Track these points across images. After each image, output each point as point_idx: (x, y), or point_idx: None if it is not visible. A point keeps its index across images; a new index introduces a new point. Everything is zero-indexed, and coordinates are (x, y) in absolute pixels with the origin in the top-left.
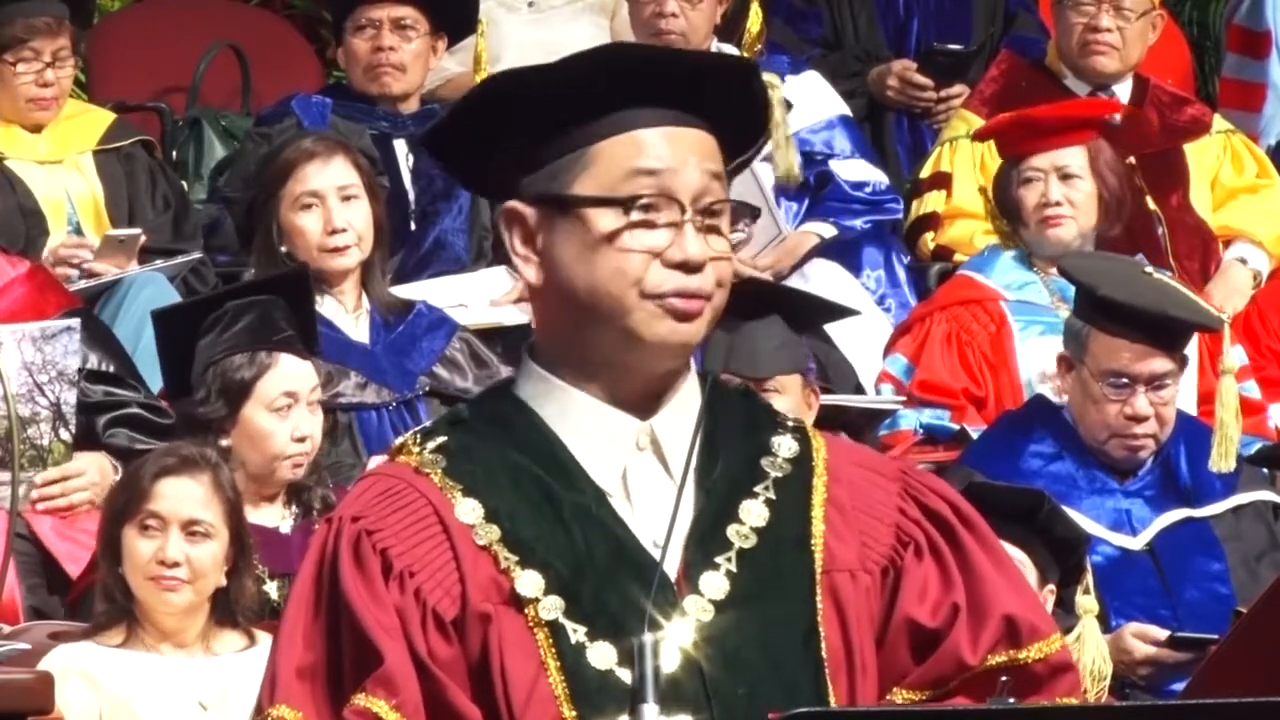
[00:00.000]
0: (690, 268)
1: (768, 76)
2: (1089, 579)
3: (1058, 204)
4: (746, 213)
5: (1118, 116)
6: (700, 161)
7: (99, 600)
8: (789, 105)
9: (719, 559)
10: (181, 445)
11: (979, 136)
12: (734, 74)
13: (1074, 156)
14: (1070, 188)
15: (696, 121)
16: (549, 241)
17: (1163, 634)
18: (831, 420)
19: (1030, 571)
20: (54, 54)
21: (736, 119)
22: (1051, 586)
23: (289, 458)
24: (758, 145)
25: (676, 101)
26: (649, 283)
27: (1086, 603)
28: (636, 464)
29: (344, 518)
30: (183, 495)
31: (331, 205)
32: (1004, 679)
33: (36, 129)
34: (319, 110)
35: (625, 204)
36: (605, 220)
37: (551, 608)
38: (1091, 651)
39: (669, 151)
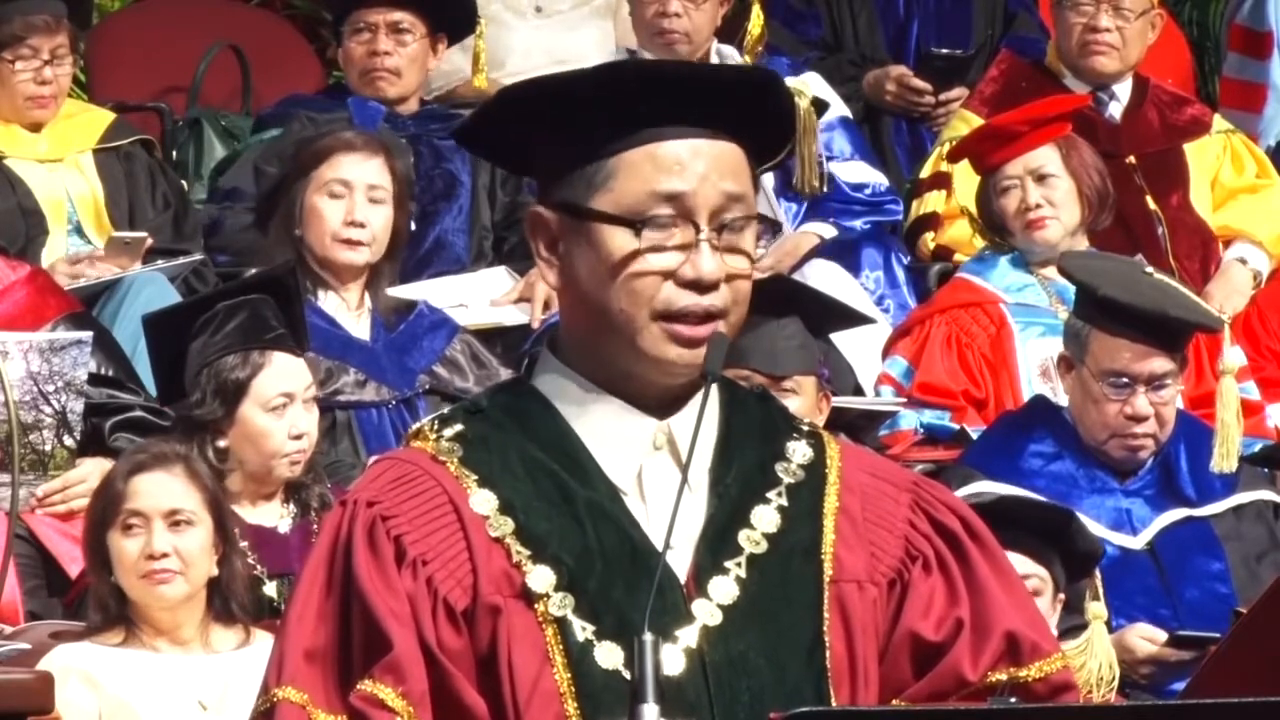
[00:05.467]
0: (703, 286)
1: (795, 83)
2: (1098, 585)
3: (1038, 206)
4: (767, 228)
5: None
6: (721, 179)
7: (92, 610)
8: (824, 106)
9: (729, 564)
10: (150, 443)
11: (952, 158)
12: (757, 87)
13: (1046, 156)
14: (1047, 188)
15: (722, 135)
16: (568, 249)
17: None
18: (831, 421)
19: (1048, 587)
20: (52, 52)
21: (763, 129)
22: (1061, 596)
23: (287, 455)
24: (782, 155)
25: (701, 116)
26: (660, 301)
27: (1096, 609)
28: (652, 463)
29: (359, 501)
30: (159, 489)
31: (357, 198)
32: (1004, 679)
33: (35, 128)
34: (373, 115)
35: (639, 225)
36: (620, 239)
37: (561, 604)
38: (1100, 656)
39: (689, 169)
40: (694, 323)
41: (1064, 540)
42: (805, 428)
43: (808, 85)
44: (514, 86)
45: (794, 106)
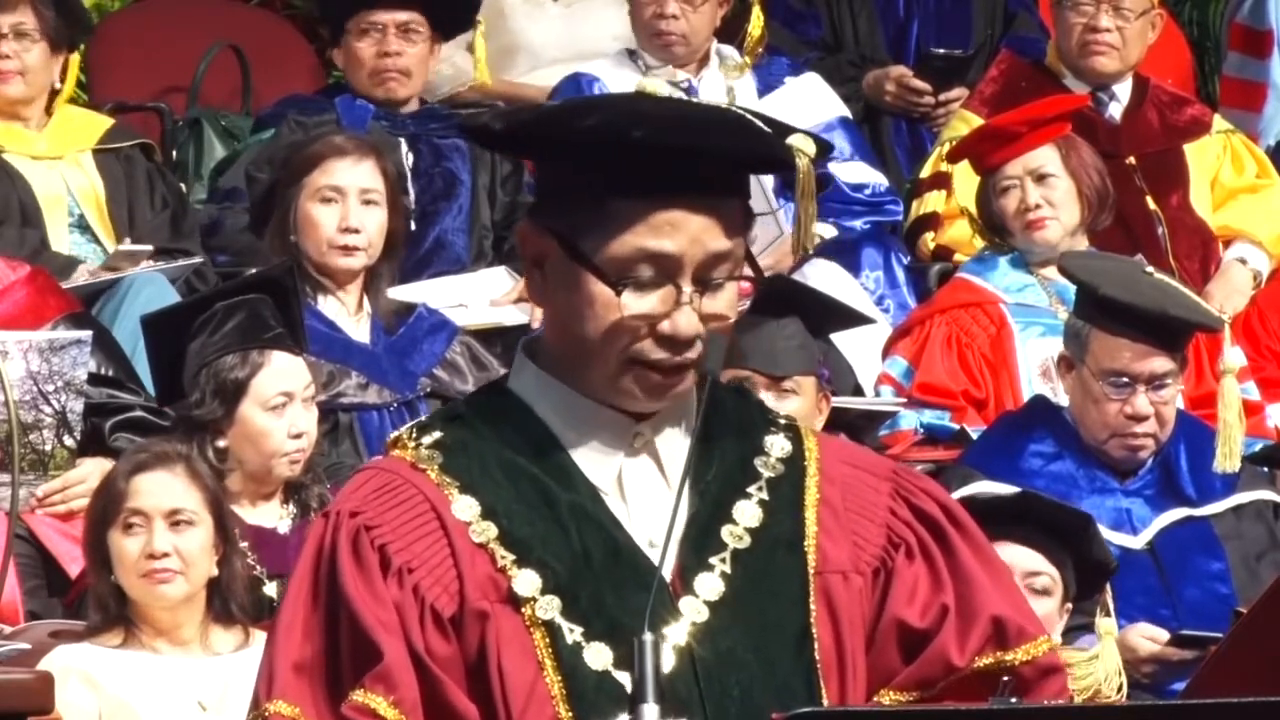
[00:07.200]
0: (678, 343)
1: (799, 141)
2: (1109, 600)
3: (1037, 206)
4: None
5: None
6: (711, 239)
7: (91, 610)
8: (826, 148)
9: (713, 560)
10: (152, 442)
11: (952, 158)
12: (764, 160)
13: (1045, 157)
14: (1047, 188)
15: (721, 193)
16: (553, 275)
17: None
18: (831, 421)
19: (1058, 588)
20: (13, 28)
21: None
22: (1069, 605)
23: (286, 454)
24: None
25: (703, 181)
26: (634, 351)
27: (1106, 625)
28: (632, 464)
29: (342, 512)
30: (160, 488)
31: (350, 204)
32: (1005, 679)
33: (14, 115)
34: (361, 114)
35: (619, 286)
36: (601, 289)
37: (548, 607)
38: (1108, 668)
39: (681, 231)
40: (665, 374)
41: (1078, 543)
42: (782, 421)
43: (809, 144)
44: (521, 118)
45: (795, 167)
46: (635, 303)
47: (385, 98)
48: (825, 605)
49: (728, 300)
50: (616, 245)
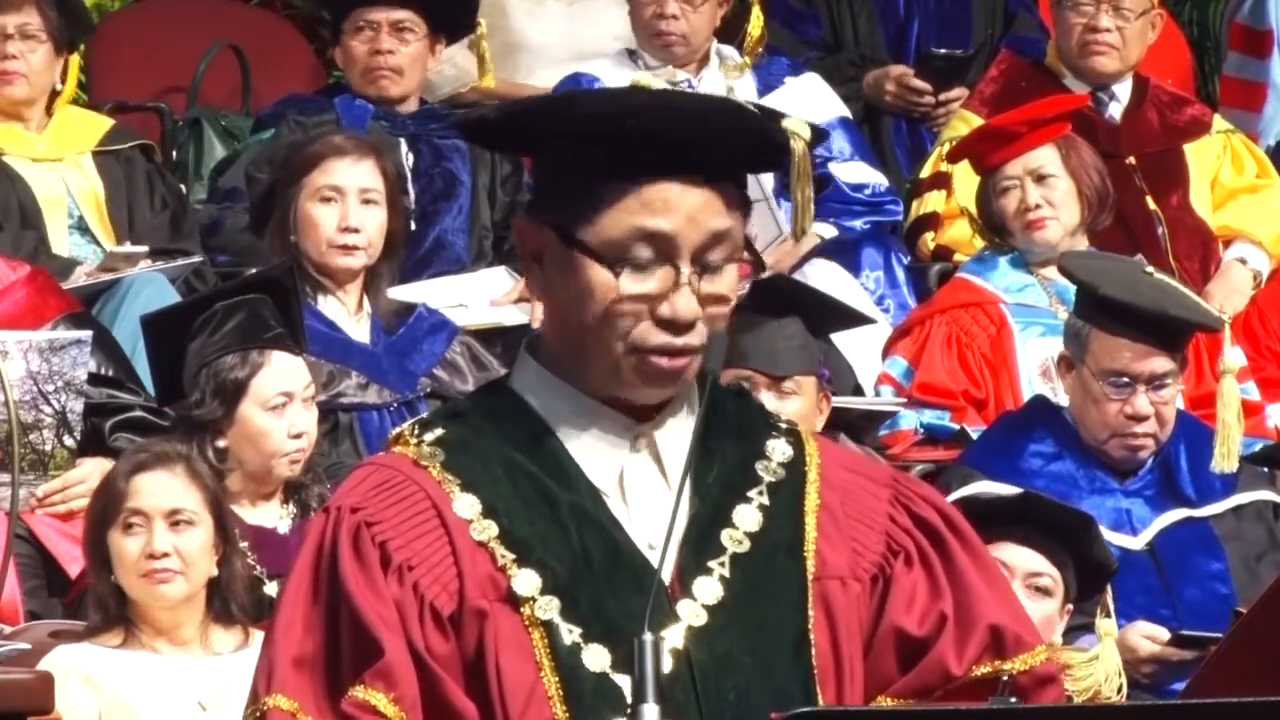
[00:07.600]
0: (678, 327)
1: (793, 124)
2: (1109, 601)
3: (1037, 206)
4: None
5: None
6: (708, 218)
7: (91, 610)
8: (824, 135)
9: (712, 563)
10: (152, 442)
11: (952, 158)
12: (758, 144)
13: (1045, 157)
14: (1047, 188)
15: (716, 176)
16: (552, 267)
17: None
18: (831, 421)
19: (1059, 589)
20: (18, 29)
21: (760, 165)
22: (1069, 606)
23: (286, 454)
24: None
25: (697, 164)
26: (635, 337)
27: (1106, 626)
28: (633, 465)
29: (343, 508)
30: (160, 488)
31: (350, 204)
32: (1005, 679)
33: (16, 115)
34: (360, 114)
35: (617, 268)
36: (599, 274)
37: (547, 607)
38: (1109, 669)
39: (676, 210)
40: (667, 357)
41: (1079, 543)
42: (783, 425)
43: (804, 127)
44: (518, 108)
45: (790, 149)
46: (633, 284)
47: (377, 95)
48: (823, 611)
49: (728, 282)
50: (611, 226)
